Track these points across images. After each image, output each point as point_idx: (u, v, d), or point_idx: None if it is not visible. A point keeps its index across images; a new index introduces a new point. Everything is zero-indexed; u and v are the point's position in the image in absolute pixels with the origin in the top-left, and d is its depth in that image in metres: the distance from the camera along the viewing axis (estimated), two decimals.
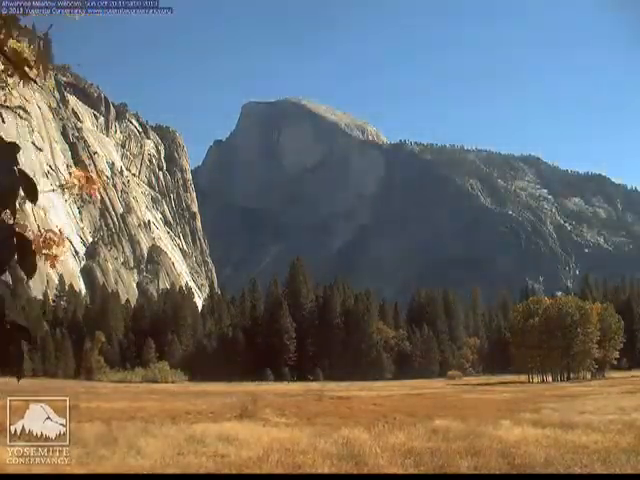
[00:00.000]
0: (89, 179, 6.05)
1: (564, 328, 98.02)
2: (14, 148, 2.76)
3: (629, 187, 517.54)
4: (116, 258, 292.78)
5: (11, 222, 2.80)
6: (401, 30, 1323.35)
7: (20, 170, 2.72)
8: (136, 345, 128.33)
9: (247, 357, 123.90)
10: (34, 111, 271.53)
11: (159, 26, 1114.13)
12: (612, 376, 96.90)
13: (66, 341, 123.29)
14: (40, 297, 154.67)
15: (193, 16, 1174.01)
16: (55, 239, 5.47)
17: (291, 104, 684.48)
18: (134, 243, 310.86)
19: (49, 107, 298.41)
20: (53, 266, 5.49)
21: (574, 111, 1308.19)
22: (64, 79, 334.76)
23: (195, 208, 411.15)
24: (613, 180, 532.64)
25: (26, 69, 3.80)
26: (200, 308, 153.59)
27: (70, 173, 6.29)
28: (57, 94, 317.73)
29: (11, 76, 4.08)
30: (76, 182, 6.02)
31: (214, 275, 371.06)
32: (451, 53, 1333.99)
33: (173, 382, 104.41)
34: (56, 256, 5.49)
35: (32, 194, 2.78)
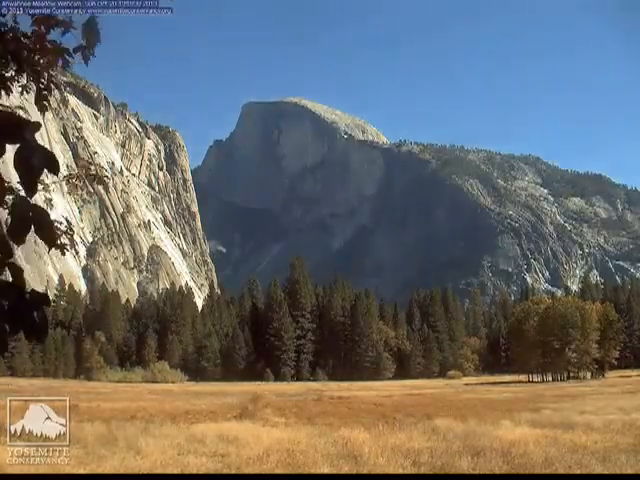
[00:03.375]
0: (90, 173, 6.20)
1: (564, 328, 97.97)
2: (37, 126, 2.85)
3: (629, 187, 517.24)
4: (116, 258, 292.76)
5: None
6: (401, 30, 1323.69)
7: (41, 146, 2.80)
8: (136, 345, 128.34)
9: (247, 357, 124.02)
10: (34, 111, 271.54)
11: (159, 26, 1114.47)
12: (612, 376, 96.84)
13: (66, 341, 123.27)
14: None
15: (193, 16, 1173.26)
16: (62, 228, 5.55)
17: (291, 104, 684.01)
18: (134, 243, 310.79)
19: (49, 107, 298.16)
20: (63, 254, 5.66)
21: (574, 111, 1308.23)
22: (64, 79, 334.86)
23: (195, 208, 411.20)
24: (613, 180, 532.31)
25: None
26: (200, 308, 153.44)
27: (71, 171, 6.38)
28: (57, 94, 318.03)
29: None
30: (82, 173, 6.14)
31: (214, 275, 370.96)
32: (451, 53, 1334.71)
33: (173, 382, 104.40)
34: (64, 245, 5.57)
35: (54, 167, 2.87)
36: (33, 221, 2.79)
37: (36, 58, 4.23)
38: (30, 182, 2.76)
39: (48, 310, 3.17)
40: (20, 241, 2.82)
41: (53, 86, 4.53)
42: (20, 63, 4.05)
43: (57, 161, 2.88)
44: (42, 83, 4.47)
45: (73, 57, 4.29)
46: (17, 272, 2.90)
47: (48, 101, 4.55)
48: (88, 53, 4.21)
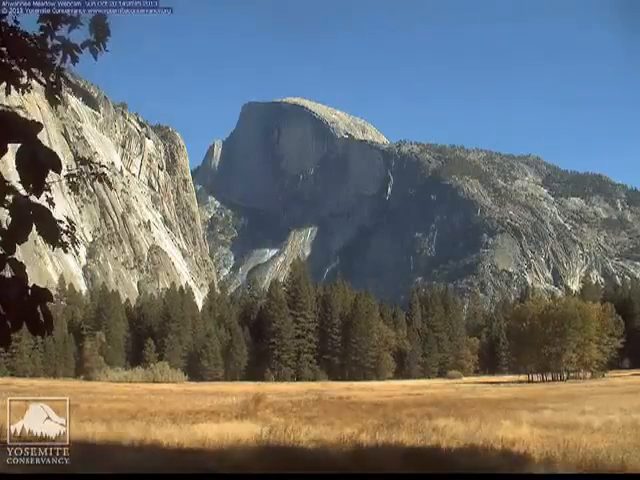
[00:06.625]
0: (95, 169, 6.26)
1: (564, 328, 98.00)
2: (39, 126, 2.88)
3: (629, 187, 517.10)
4: (116, 258, 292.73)
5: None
6: (401, 30, 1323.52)
7: (45, 146, 2.82)
8: (136, 345, 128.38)
9: (247, 357, 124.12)
10: (34, 111, 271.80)
11: (159, 26, 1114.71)
12: (612, 376, 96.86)
13: (66, 341, 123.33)
14: None
15: (193, 16, 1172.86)
16: (63, 227, 5.56)
17: (291, 104, 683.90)
18: (134, 243, 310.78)
19: (49, 107, 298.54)
20: (66, 252, 5.74)
21: (574, 110, 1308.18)
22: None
23: (195, 208, 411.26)
24: (613, 180, 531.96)
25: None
26: (200, 308, 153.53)
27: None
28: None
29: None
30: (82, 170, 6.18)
31: (214, 275, 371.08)
32: (451, 53, 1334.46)
33: (173, 382, 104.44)
34: (66, 243, 5.59)
35: (57, 166, 2.91)
36: (34, 219, 2.81)
37: (41, 55, 4.29)
38: (38, 181, 2.79)
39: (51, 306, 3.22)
40: (22, 239, 2.84)
41: (63, 80, 4.57)
42: (27, 60, 4.10)
43: (59, 160, 2.91)
44: (52, 76, 4.51)
45: (82, 52, 4.37)
46: (18, 268, 2.93)
47: (60, 94, 4.59)
48: (97, 48, 4.29)
